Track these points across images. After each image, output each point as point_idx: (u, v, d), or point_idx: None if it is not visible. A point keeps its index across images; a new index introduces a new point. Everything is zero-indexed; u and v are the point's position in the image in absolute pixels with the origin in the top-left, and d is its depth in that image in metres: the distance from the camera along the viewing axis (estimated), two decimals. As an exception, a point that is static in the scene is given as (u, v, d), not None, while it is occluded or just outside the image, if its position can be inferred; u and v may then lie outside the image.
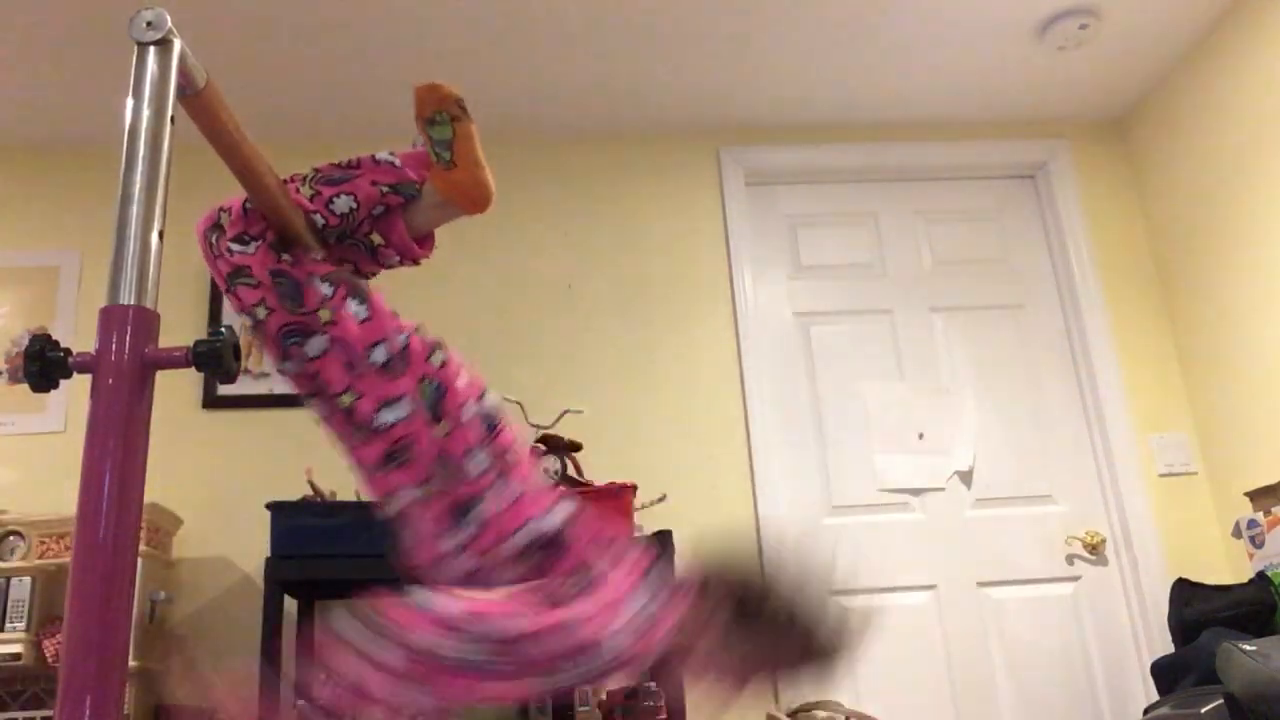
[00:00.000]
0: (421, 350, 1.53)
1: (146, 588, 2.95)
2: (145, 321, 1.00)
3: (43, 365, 0.98)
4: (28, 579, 2.82)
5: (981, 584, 3.53)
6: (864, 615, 1.53)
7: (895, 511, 3.58)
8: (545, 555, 1.48)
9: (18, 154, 3.70)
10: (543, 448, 3.12)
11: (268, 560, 2.87)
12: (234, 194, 1.50)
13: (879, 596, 3.48)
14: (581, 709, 2.90)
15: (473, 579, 1.52)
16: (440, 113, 1.56)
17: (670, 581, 1.48)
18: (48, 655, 2.76)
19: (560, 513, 1.52)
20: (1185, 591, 3.24)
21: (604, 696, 3.00)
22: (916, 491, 3.61)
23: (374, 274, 1.69)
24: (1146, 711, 2.96)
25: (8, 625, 2.77)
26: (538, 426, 3.29)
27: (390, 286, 1.74)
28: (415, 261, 1.70)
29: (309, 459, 3.37)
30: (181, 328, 3.32)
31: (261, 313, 1.43)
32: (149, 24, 1.02)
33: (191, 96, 1.12)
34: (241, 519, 3.29)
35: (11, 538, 2.91)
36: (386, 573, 2.91)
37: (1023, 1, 3.33)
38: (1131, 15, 3.43)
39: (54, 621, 2.81)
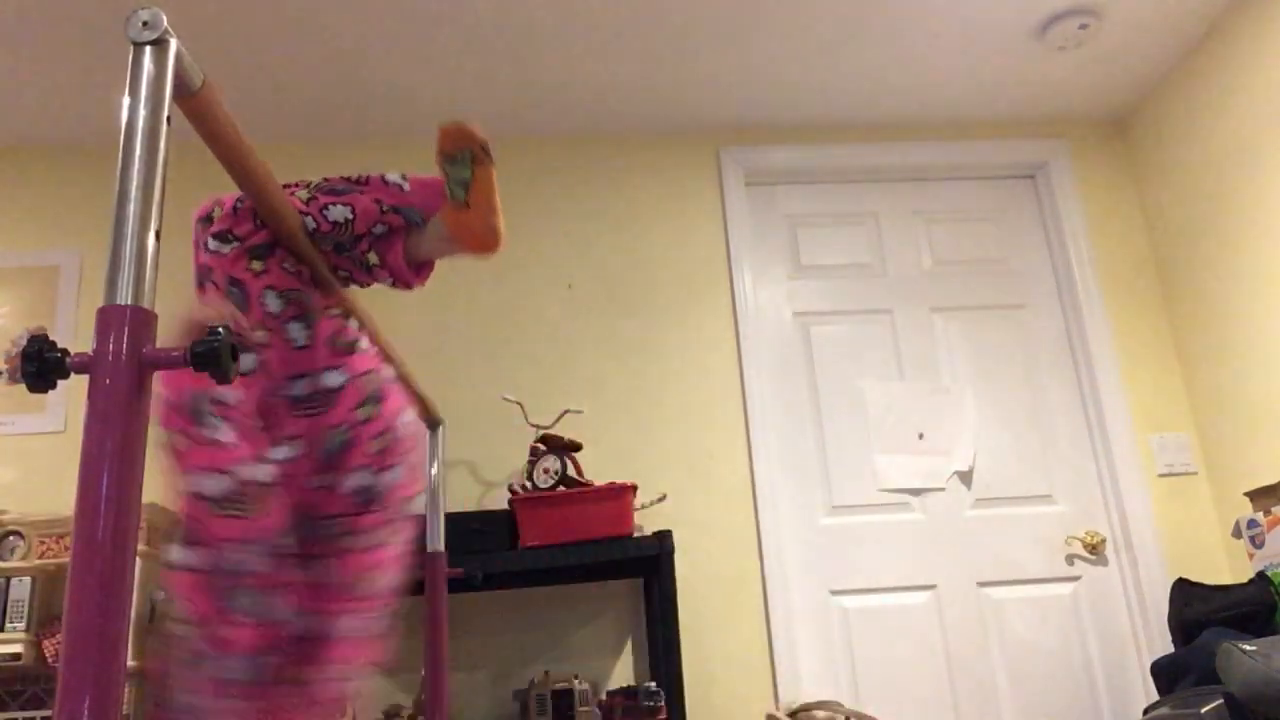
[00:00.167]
0: (354, 398, 1.51)
1: (146, 588, 2.95)
2: (143, 321, 1.00)
3: (40, 366, 0.98)
4: (28, 579, 2.82)
5: (981, 584, 3.53)
6: None
7: (895, 511, 3.59)
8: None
9: (18, 154, 3.70)
10: (543, 448, 3.12)
11: (267, 560, 2.86)
12: (234, 193, 1.50)
13: (879, 596, 3.49)
14: (582, 709, 2.90)
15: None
16: (463, 152, 1.56)
17: None
18: (48, 655, 2.76)
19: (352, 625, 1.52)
20: (1185, 591, 3.24)
21: (604, 697, 3.00)
22: (916, 491, 3.61)
23: (367, 285, 1.69)
24: (1146, 711, 2.96)
25: (8, 625, 2.78)
26: (538, 426, 3.29)
27: (391, 286, 1.75)
28: (408, 286, 1.69)
29: (309, 459, 3.37)
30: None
31: (217, 314, 1.44)
32: (145, 24, 1.02)
33: (188, 97, 1.12)
34: (241, 519, 3.29)
35: (11, 538, 2.92)
36: (386, 573, 2.92)
37: (1023, 1, 3.33)
38: (1131, 15, 3.43)
39: (54, 621, 2.81)
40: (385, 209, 1.57)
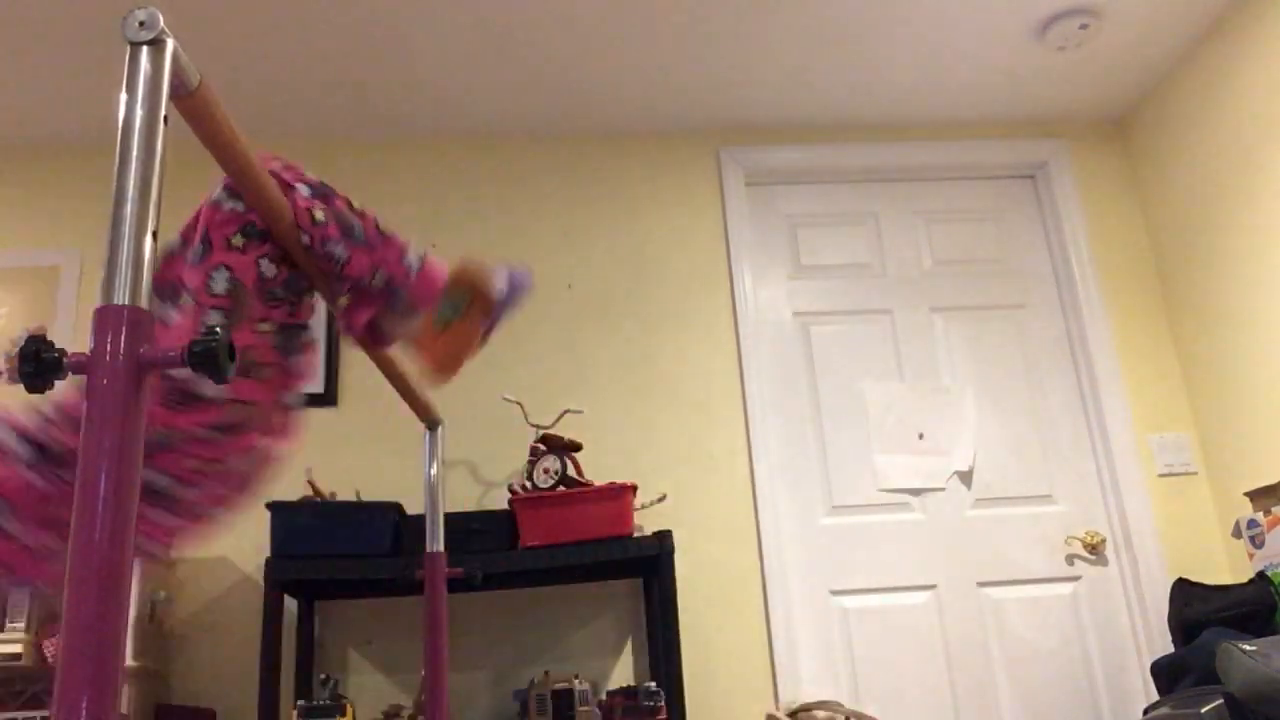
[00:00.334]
0: (212, 415, 1.51)
1: (146, 588, 2.95)
2: (140, 322, 1.00)
3: (37, 366, 0.98)
4: (27, 579, 2.82)
5: (981, 584, 3.53)
6: None
7: (895, 511, 3.59)
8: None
9: (18, 154, 3.71)
10: (543, 448, 3.12)
11: (268, 560, 2.87)
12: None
13: (879, 596, 3.49)
14: (582, 709, 2.90)
15: None
16: (465, 294, 1.55)
17: None
18: (48, 655, 2.76)
19: None
20: (1185, 591, 3.24)
21: (604, 697, 3.00)
22: (916, 491, 3.61)
23: (307, 313, 1.68)
24: (1146, 711, 2.96)
25: (8, 625, 2.78)
26: (538, 426, 3.29)
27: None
28: (364, 347, 1.69)
29: (309, 459, 3.38)
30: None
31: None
32: (141, 23, 1.02)
33: (185, 97, 1.12)
34: (241, 519, 3.30)
35: (11, 538, 2.91)
36: (386, 572, 2.94)
37: (1023, 1, 3.33)
38: (1131, 15, 3.43)
39: (54, 621, 2.81)
40: (377, 278, 1.56)
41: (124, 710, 2.80)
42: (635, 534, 3.03)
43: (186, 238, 1.49)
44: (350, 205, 1.58)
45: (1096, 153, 4.03)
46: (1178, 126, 3.72)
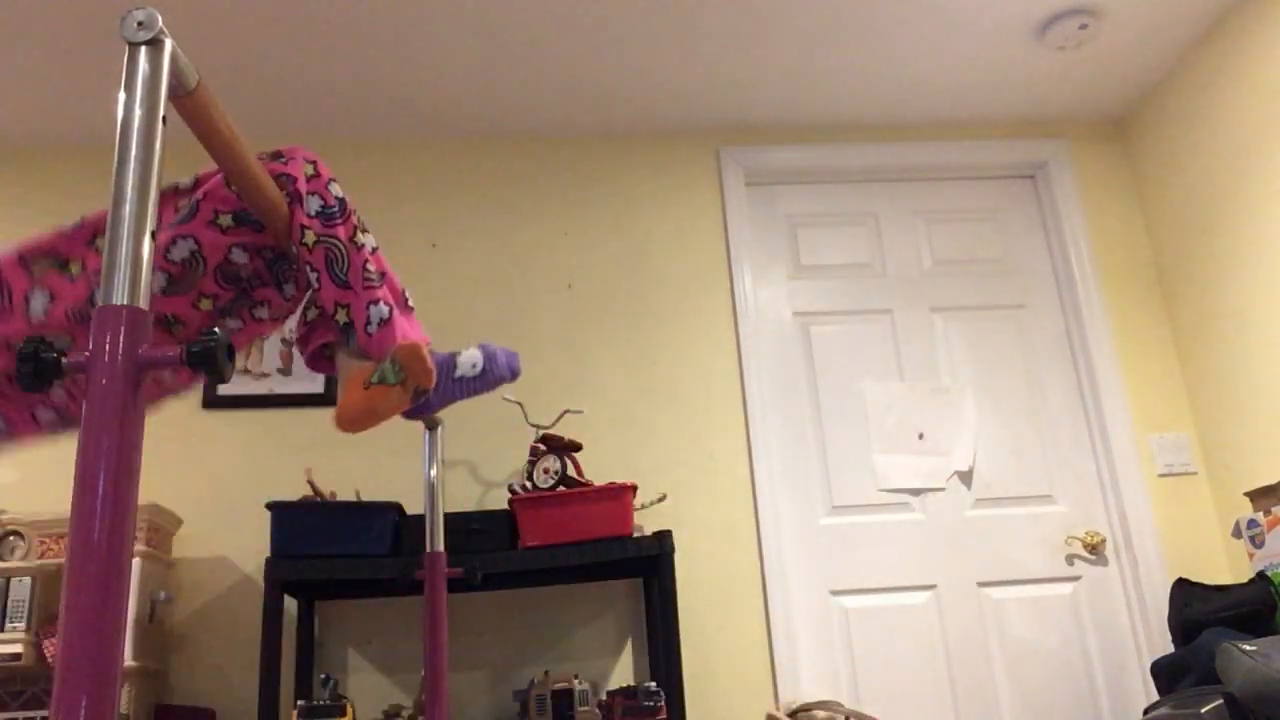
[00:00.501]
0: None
1: (146, 588, 2.95)
2: (139, 322, 1.00)
3: (36, 366, 0.98)
4: (28, 579, 2.82)
5: (981, 584, 3.53)
6: None
7: (895, 511, 3.58)
8: None
9: (18, 154, 3.71)
10: (543, 448, 3.12)
11: (268, 560, 2.87)
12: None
13: (879, 596, 3.49)
14: (582, 709, 2.90)
15: None
16: (401, 370, 1.59)
17: None
18: (48, 655, 2.76)
19: None
20: (1185, 591, 3.24)
21: (604, 697, 3.00)
22: (916, 491, 3.61)
23: (261, 320, 1.71)
24: (1146, 711, 2.96)
25: (8, 625, 2.78)
26: (538, 426, 3.29)
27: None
28: (306, 360, 1.77)
29: (309, 459, 3.38)
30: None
31: None
32: (140, 24, 1.02)
33: (183, 97, 1.12)
34: (241, 519, 3.30)
35: (11, 538, 2.92)
36: (386, 572, 2.94)
37: (1023, 1, 3.33)
38: (1131, 15, 3.43)
39: (54, 621, 2.81)
40: (339, 315, 1.59)
41: (124, 710, 2.80)
42: (635, 534, 3.03)
43: (185, 191, 1.52)
44: (354, 236, 1.60)
45: (1096, 153, 4.02)
46: (1178, 126, 3.72)
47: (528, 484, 3.08)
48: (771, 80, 3.66)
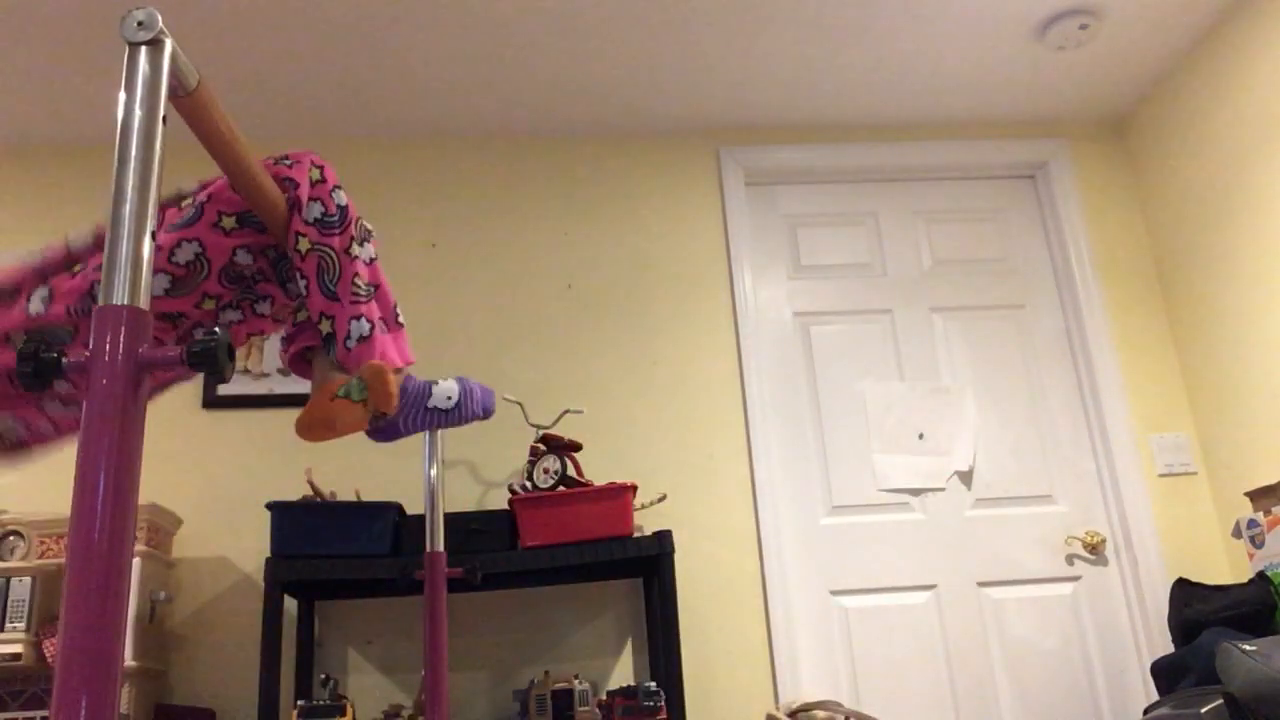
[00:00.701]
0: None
1: (146, 588, 2.95)
2: (139, 322, 1.00)
3: (37, 366, 0.98)
4: (28, 579, 2.82)
5: (981, 584, 3.53)
6: None
7: (895, 511, 3.58)
8: None
9: (18, 154, 3.71)
10: (543, 448, 3.12)
11: (268, 560, 2.87)
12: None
13: (879, 596, 3.49)
14: (582, 709, 2.90)
15: None
16: (370, 394, 1.61)
17: None
18: (48, 655, 2.76)
19: None
20: (1185, 591, 3.24)
21: (604, 697, 3.00)
22: (916, 491, 3.61)
23: (254, 324, 1.73)
24: (1146, 711, 2.96)
25: (8, 625, 2.78)
26: (538, 426, 3.29)
27: (393, 286, 1.75)
28: (286, 361, 1.77)
29: (309, 459, 3.38)
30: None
31: None
32: (140, 24, 1.02)
33: (183, 97, 1.12)
34: (241, 519, 3.30)
35: (11, 538, 2.92)
36: (386, 572, 2.93)
37: (1023, 1, 3.33)
38: (1131, 15, 3.43)
39: (54, 621, 2.81)
40: (322, 324, 1.60)
41: (124, 710, 2.80)
42: (635, 534, 3.03)
43: (188, 194, 1.52)
44: (349, 247, 1.60)
45: (1096, 153, 4.02)
46: (1178, 126, 3.72)
47: (528, 484, 3.08)
48: (771, 80, 3.66)
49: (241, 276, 1.58)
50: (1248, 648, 2.61)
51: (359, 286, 1.61)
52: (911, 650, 3.44)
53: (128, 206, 1.00)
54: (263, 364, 3.47)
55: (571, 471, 3.06)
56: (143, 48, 1.03)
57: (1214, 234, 3.54)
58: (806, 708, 2.99)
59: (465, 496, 3.42)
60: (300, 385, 3.48)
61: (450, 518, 2.99)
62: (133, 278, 1.00)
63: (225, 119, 1.21)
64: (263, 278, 1.62)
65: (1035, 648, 3.47)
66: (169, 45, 1.05)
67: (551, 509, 2.99)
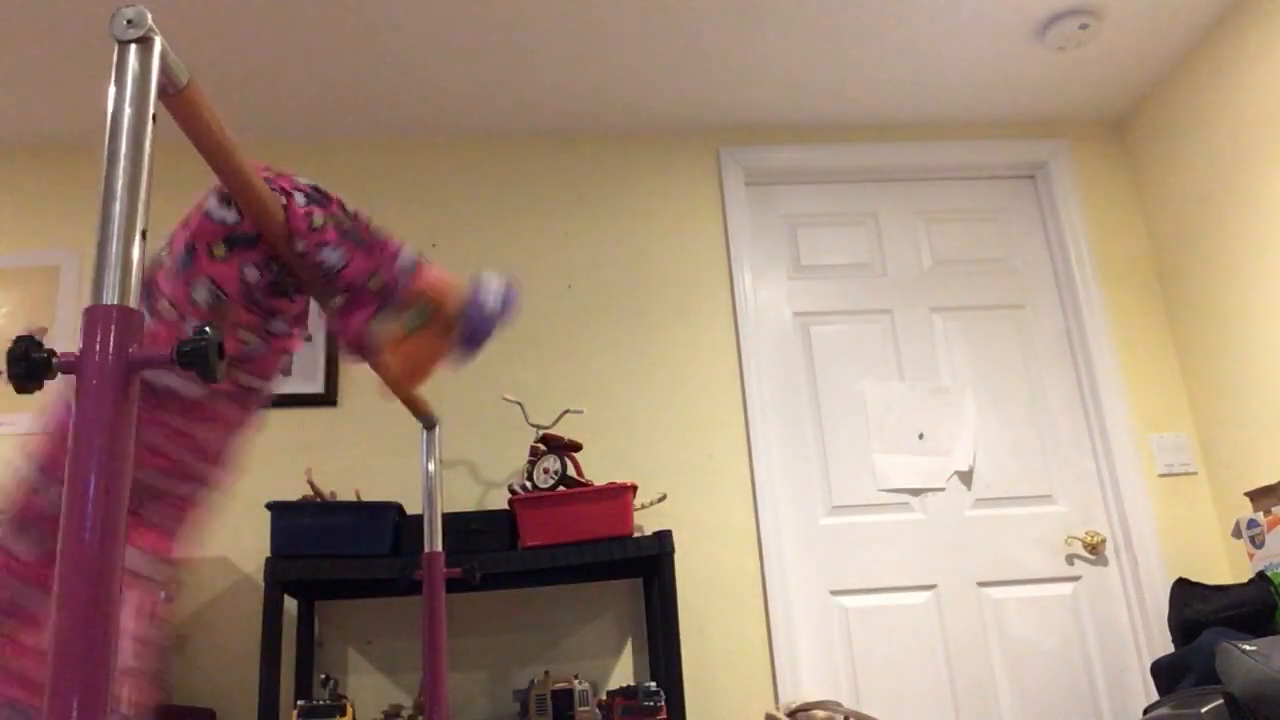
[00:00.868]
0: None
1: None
2: (129, 321, 1.00)
3: (27, 366, 0.98)
4: (27, 579, 2.82)
5: (981, 584, 3.53)
6: None
7: (895, 511, 3.58)
8: None
9: (17, 154, 3.71)
10: (543, 448, 3.12)
11: (268, 560, 2.87)
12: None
13: (879, 596, 3.49)
14: (582, 709, 2.90)
15: None
16: (433, 306, 1.57)
17: None
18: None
19: None
20: (1185, 591, 3.23)
21: (604, 697, 3.00)
22: (916, 491, 3.61)
23: (295, 307, 1.68)
24: (1146, 711, 2.96)
25: (7, 625, 2.77)
26: (538, 426, 3.29)
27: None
28: (345, 344, 1.71)
29: (309, 459, 3.38)
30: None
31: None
32: (129, 22, 1.02)
33: (173, 95, 1.12)
34: (241, 519, 3.30)
35: (11, 538, 2.91)
36: (386, 572, 2.93)
37: (1023, 1, 3.33)
38: (1131, 15, 3.42)
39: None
40: (373, 282, 1.57)
41: (124, 711, 2.80)
42: (635, 534, 3.03)
43: (173, 244, 1.49)
44: (343, 207, 1.58)
45: (1096, 153, 4.02)
46: (1178, 126, 3.72)
47: (528, 484, 3.08)
48: (771, 80, 3.66)
49: (255, 300, 1.57)
50: (1248, 648, 2.61)
51: (379, 229, 1.60)
52: (911, 650, 3.44)
53: (117, 205, 1.00)
54: (262, 364, 3.47)
55: (571, 471, 3.06)
56: (132, 45, 1.03)
57: (1214, 234, 3.53)
58: (806, 708, 2.98)
59: (465, 496, 3.42)
60: (300, 385, 3.48)
61: (450, 518, 2.99)
62: (123, 277, 1.00)
63: (216, 117, 1.21)
64: (267, 293, 1.60)
65: (1035, 648, 3.47)
66: (159, 43, 1.05)
67: (551, 509, 2.99)
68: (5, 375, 3.47)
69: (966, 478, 3.63)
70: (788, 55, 3.53)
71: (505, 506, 3.13)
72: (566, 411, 3.32)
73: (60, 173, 3.69)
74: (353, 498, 3.30)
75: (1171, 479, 3.62)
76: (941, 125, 3.99)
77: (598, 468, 3.44)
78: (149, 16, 1.02)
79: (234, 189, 1.30)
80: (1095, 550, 3.56)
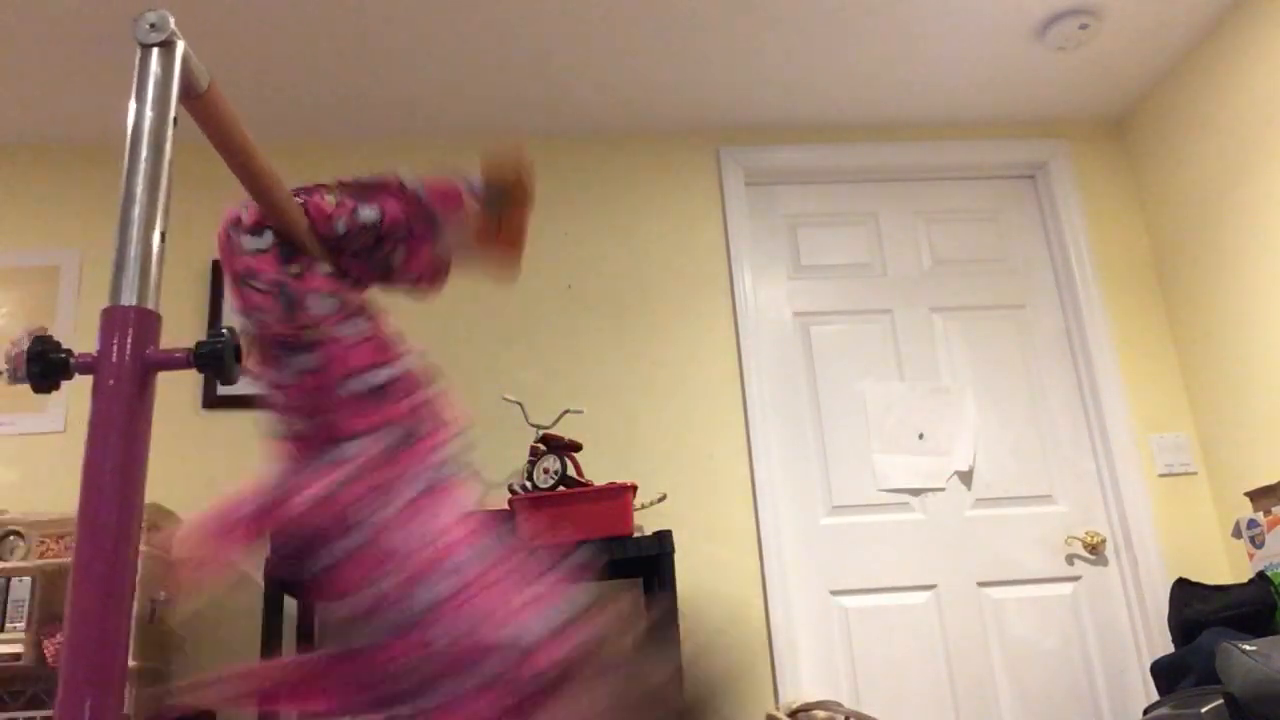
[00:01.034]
0: (417, 381, 1.52)
1: (147, 588, 2.94)
2: (146, 323, 1.00)
3: (44, 366, 0.98)
4: (28, 579, 2.82)
5: (981, 584, 3.53)
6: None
7: (895, 511, 3.58)
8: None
9: (18, 154, 3.70)
10: (543, 448, 3.12)
11: (268, 560, 2.86)
12: (238, 194, 1.49)
13: (879, 596, 3.49)
14: (581, 709, 2.89)
15: None
16: (502, 187, 1.56)
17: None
18: (48, 655, 2.75)
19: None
20: (1185, 591, 3.24)
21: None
22: (916, 491, 3.61)
23: (383, 288, 1.65)
24: (1146, 711, 2.96)
25: (8, 625, 2.77)
26: (538, 426, 3.29)
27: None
28: (429, 288, 1.68)
29: (309, 459, 3.37)
30: (181, 329, 3.32)
31: (262, 317, 1.40)
32: (152, 25, 1.02)
33: (194, 98, 1.12)
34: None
35: (11, 538, 2.91)
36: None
37: (1023, 1, 3.33)
38: (1131, 15, 3.43)
39: (54, 621, 2.81)
40: (411, 217, 1.56)
41: (126, 710, 2.80)
42: (635, 534, 3.02)
43: (260, 302, 1.46)
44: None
45: (1096, 153, 4.02)
46: (1178, 126, 3.72)
47: (528, 484, 3.08)
48: (771, 80, 3.66)
49: (349, 274, 1.55)
50: (1248, 648, 2.61)
51: (374, 178, 1.59)
52: (911, 650, 3.45)
53: (137, 208, 1.00)
54: (262, 364, 3.46)
55: (571, 471, 3.06)
56: (154, 49, 1.03)
57: (1214, 234, 3.54)
58: (806, 708, 2.98)
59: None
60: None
61: (451, 518, 2.98)
62: (141, 278, 1.00)
63: (236, 120, 1.21)
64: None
65: (1035, 648, 3.47)
66: (180, 46, 1.05)
67: (551, 509, 2.99)
68: (5, 375, 3.47)
69: (966, 478, 3.63)
70: (788, 55, 3.53)
71: (505, 506, 3.13)
72: (566, 411, 3.32)
73: (61, 173, 3.68)
74: (353, 497, 3.29)
75: (1171, 479, 3.63)
76: (941, 125, 3.99)
77: (598, 468, 3.43)
78: (171, 20, 1.02)
79: (255, 191, 1.29)
80: (1095, 550, 3.57)
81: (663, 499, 3.28)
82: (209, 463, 3.37)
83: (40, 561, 2.85)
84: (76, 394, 3.41)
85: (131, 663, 2.78)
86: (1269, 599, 2.98)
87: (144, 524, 2.88)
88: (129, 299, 0.99)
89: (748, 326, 3.67)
